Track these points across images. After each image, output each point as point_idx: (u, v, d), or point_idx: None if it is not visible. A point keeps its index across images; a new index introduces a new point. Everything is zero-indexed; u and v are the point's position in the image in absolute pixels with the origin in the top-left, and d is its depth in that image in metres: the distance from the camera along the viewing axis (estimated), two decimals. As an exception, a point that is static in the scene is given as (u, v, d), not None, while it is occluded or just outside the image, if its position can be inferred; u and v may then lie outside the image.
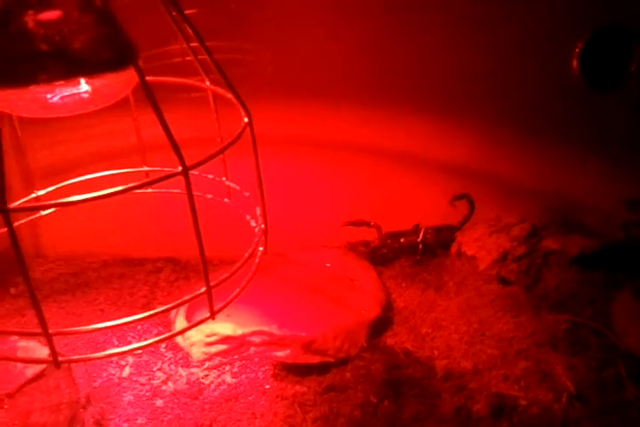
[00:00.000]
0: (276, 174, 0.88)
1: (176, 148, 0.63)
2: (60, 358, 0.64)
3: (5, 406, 0.87)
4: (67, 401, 0.87)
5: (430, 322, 1.12)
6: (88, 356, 0.73)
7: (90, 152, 1.26)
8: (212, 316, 0.72)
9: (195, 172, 0.64)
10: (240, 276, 0.72)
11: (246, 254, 0.78)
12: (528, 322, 1.08)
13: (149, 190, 0.91)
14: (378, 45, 1.22)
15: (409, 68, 1.25)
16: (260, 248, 0.81)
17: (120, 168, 0.97)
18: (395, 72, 1.25)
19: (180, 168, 0.63)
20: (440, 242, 1.33)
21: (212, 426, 0.93)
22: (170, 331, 1.14)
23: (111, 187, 0.61)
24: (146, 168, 0.98)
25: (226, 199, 0.91)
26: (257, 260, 0.80)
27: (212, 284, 0.70)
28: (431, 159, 1.36)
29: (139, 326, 1.15)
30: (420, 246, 1.31)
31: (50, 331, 0.63)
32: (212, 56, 0.75)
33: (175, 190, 0.92)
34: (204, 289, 0.70)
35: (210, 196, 0.92)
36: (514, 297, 1.14)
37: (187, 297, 0.70)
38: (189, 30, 0.74)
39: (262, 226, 0.82)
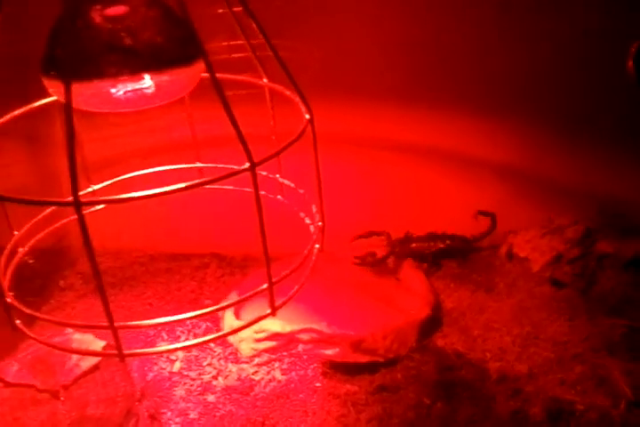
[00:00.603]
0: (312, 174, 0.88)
1: (244, 144, 0.62)
2: (124, 352, 0.64)
3: (62, 398, 0.88)
4: (122, 394, 0.88)
5: (481, 324, 1.11)
6: (152, 350, 0.73)
7: (141, 147, 1.26)
8: (274, 312, 0.72)
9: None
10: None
11: (305, 251, 0.78)
12: (583, 326, 1.06)
13: (207, 186, 0.90)
14: (422, 43, 1.21)
15: (453, 67, 1.23)
16: (317, 246, 0.81)
17: (171, 164, 0.97)
18: (438, 71, 1.24)
19: (248, 164, 0.63)
20: (451, 251, 1.29)
21: (265, 423, 0.92)
22: (218, 326, 1.15)
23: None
24: (199, 164, 0.98)
25: (279, 196, 0.91)
26: (314, 257, 0.79)
27: (273, 280, 0.70)
28: (477, 159, 1.34)
29: (187, 321, 1.15)
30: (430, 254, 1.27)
31: (115, 324, 0.63)
32: (277, 53, 0.74)
33: (228, 187, 0.92)
34: (265, 285, 0.70)
35: (262, 193, 0.91)
36: (568, 300, 1.12)
37: (249, 293, 0.70)
38: (254, 26, 0.74)
39: (319, 223, 0.82)
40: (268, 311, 0.72)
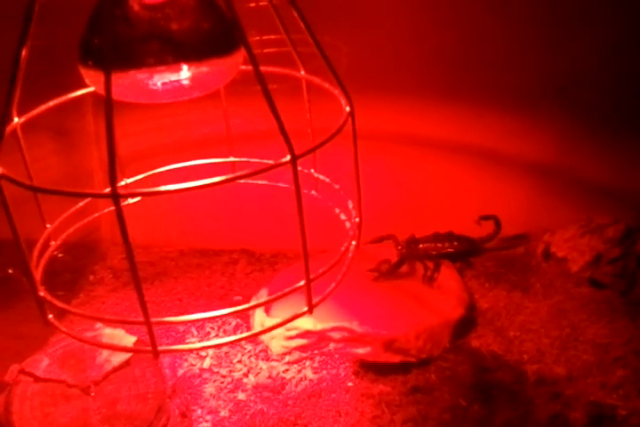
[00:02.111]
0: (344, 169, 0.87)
1: (286, 136, 0.61)
2: (159, 348, 0.63)
3: (92, 394, 0.87)
4: (153, 391, 0.87)
5: (518, 325, 1.08)
6: (187, 346, 0.72)
7: (172, 141, 1.25)
8: (311, 310, 0.70)
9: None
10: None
11: (342, 248, 0.76)
12: (625, 328, 1.03)
13: (242, 181, 0.89)
14: (453, 38, 1.18)
15: (485, 64, 1.21)
16: (353, 242, 0.79)
17: (203, 158, 0.95)
18: (469, 67, 1.21)
19: (289, 157, 0.61)
20: (462, 253, 1.24)
21: (297, 423, 0.91)
22: (248, 322, 1.13)
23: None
24: (232, 159, 0.96)
25: (313, 191, 0.89)
26: (350, 254, 0.77)
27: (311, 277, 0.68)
28: (510, 156, 1.31)
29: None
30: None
31: (151, 320, 0.62)
32: (320, 45, 0.72)
33: (262, 182, 0.91)
34: (303, 282, 0.68)
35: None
36: (608, 301, 1.09)
37: (286, 290, 0.68)
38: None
39: (357, 220, 0.80)
40: (305, 309, 0.70)
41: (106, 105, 0.56)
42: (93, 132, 1.31)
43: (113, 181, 0.55)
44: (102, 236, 1.40)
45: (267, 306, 1.12)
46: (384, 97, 1.24)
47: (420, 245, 1.23)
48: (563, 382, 0.95)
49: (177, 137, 1.26)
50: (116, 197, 0.56)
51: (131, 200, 0.91)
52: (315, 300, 0.70)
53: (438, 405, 0.92)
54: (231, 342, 1.00)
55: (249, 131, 1.14)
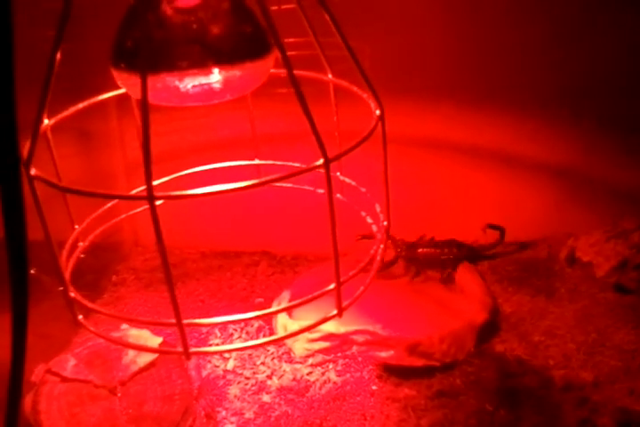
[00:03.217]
0: (365, 172, 0.86)
1: (319, 139, 0.61)
2: (191, 350, 0.63)
3: (119, 394, 0.87)
4: (179, 392, 0.87)
5: (543, 330, 1.07)
6: (217, 348, 0.72)
7: (197, 143, 1.26)
8: (340, 313, 0.70)
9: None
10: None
11: (371, 251, 0.76)
12: (651, 334, 1.02)
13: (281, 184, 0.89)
14: (474, 41, 1.17)
15: (506, 67, 1.20)
16: (381, 246, 0.79)
17: (227, 160, 0.96)
18: (490, 70, 1.20)
19: (322, 160, 0.61)
20: (461, 260, 1.24)
21: (322, 425, 0.91)
22: (270, 324, 1.13)
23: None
24: (258, 161, 0.96)
25: (338, 195, 0.89)
26: (378, 257, 0.77)
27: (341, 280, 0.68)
28: (534, 161, 1.30)
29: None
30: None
31: (183, 321, 0.62)
32: (352, 50, 0.73)
33: (287, 185, 0.91)
34: (333, 285, 0.68)
35: (321, 191, 0.90)
36: (634, 307, 1.08)
37: (317, 293, 0.68)
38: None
39: (385, 223, 0.80)
40: (335, 312, 0.70)
41: (142, 107, 0.56)
42: (117, 135, 1.32)
43: (149, 182, 0.56)
44: (124, 237, 1.40)
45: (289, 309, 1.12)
46: (402, 100, 1.24)
47: (420, 250, 1.23)
48: (590, 387, 0.94)
49: (200, 139, 1.26)
50: (151, 198, 0.56)
51: (157, 202, 0.91)
52: (343, 303, 0.70)
53: (464, 409, 0.91)
54: (264, 345, 1.01)
55: (273, 133, 1.14)
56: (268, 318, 1.15)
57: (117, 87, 0.76)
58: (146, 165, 0.56)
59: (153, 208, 0.57)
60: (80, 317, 0.69)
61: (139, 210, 0.85)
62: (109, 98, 0.80)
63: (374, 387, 0.99)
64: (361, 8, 1.14)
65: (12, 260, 0.48)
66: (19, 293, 0.49)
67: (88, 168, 1.33)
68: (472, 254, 1.26)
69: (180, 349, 0.63)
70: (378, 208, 0.82)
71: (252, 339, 1.09)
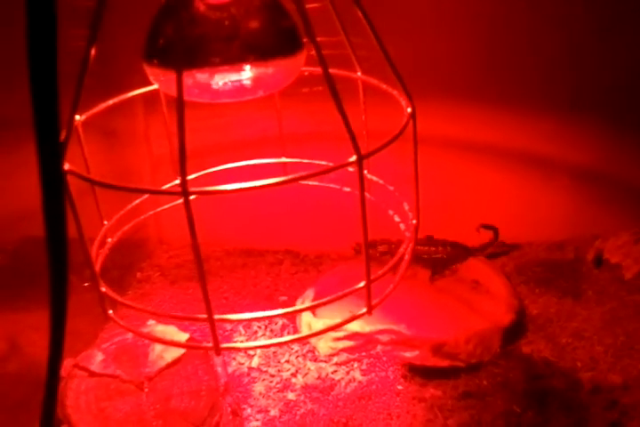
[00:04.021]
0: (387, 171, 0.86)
1: (352, 136, 0.60)
2: (222, 345, 0.63)
3: (146, 390, 0.88)
4: (206, 388, 0.87)
5: (570, 332, 1.06)
6: (247, 344, 0.72)
7: (222, 140, 1.26)
8: (370, 311, 0.69)
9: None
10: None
11: (401, 249, 0.75)
12: (681, 338, 1.01)
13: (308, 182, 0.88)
14: (500, 39, 1.16)
15: (534, 68, 1.19)
16: (410, 244, 0.78)
17: (253, 158, 0.96)
18: (517, 70, 1.19)
19: (355, 157, 0.61)
20: (450, 260, 1.23)
21: (348, 424, 0.90)
22: (294, 323, 1.13)
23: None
24: (285, 159, 0.96)
25: (366, 193, 0.89)
26: (407, 256, 0.77)
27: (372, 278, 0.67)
28: (559, 162, 1.29)
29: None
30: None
31: (214, 317, 0.62)
32: (385, 47, 0.72)
33: (314, 183, 0.91)
34: (363, 283, 0.68)
35: (347, 189, 0.90)
36: (663, 310, 1.07)
37: (346, 290, 0.68)
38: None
39: (414, 222, 0.79)
40: (364, 310, 0.69)
41: (178, 102, 0.56)
42: (142, 133, 1.33)
43: (183, 177, 0.56)
44: (149, 235, 1.41)
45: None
46: (427, 100, 1.23)
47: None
48: (619, 390, 0.93)
49: (226, 137, 1.26)
50: (186, 193, 0.56)
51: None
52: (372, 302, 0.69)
53: (491, 410, 0.90)
54: (296, 341, 1.00)
55: (298, 133, 1.14)
56: (292, 317, 1.15)
57: (143, 85, 0.77)
58: (181, 160, 0.56)
59: (187, 203, 0.57)
60: (110, 311, 0.69)
61: (169, 206, 0.85)
62: (135, 96, 0.81)
63: (400, 387, 0.98)
64: (391, 9, 1.14)
65: (52, 256, 0.48)
66: (58, 289, 0.49)
67: (114, 166, 1.34)
68: (466, 254, 1.24)
69: (210, 344, 0.63)
70: (406, 206, 0.81)
71: (276, 337, 1.09)
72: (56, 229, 0.47)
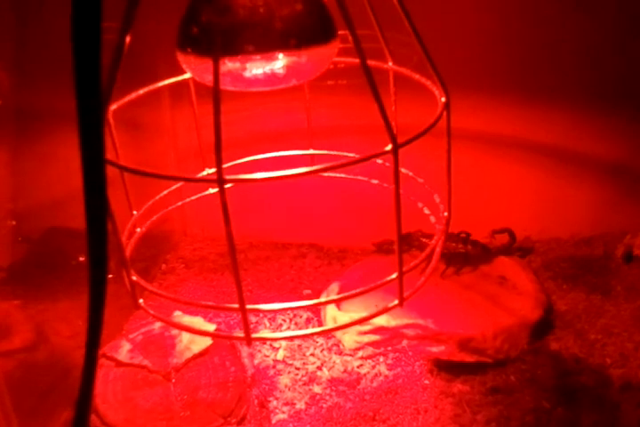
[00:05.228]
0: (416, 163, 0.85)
1: (388, 125, 0.59)
2: (252, 335, 0.62)
3: (173, 380, 0.88)
4: (233, 380, 0.87)
5: (599, 328, 1.05)
6: (277, 335, 0.72)
7: (250, 132, 1.26)
8: (401, 303, 0.69)
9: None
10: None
11: (433, 241, 0.75)
12: None
13: (331, 174, 0.88)
14: (522, 34, 1.15)
15: (561, 64, 1.17)
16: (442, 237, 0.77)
17: (281, 149, 0.95)
18: (545, 67, 1.18)
19: (391, 146, 0.60)
20: (468, 257, 1.21)
21: (375, 418, 0.90)
22: (318, 316, 1.13)
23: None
24: (312, 151, 0.96)
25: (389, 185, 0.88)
26: (438, 249, 0.76)
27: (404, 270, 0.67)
28: (588, 159, 1.27)
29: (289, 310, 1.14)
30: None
31: (246, 307, 0.62)
32: (420, 38, 0.71)
33: (341, 175, 0.90)
34: (395, 275, 0.67)
35: (376, 181, 0.89)
36: (694, 307, 1.05)
37: (377, 283, 0.67)
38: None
39: (445, 214, 0.78)
40: (396, 302, 0.69)
41: (214, 90, 0.56)
42: (169, 125, 1.33)
43: (219, 165, 0.55)
44: (174, 227, 1.41)
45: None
46: (454, 94, 1.22)
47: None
48: (649, 388, 0.91)
49: (255, 128, 1.26)
50: (221, 182, 0.56)
51: (211, 190, 0.92)
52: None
53: (520, 406, 0.89)
54: (321, 333, 1.00)
55: (325, 125, 1.13)
56: (317, 310, 1.14)
57: (170, 76, 0.76)
58: (217, 148, 0.56)
59: (222, 192, 0.57)
60: (141, 300, 0.69)
61: (197, 196, 0.85)
62: (161, 87, 0.80)
63: (426, 381, 0.98)
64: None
65: (92, 249, 0.47)
66: (97, 279, 0.49)
67: (139, 158, 1.34)
68: (484, 253, 1.23)
69: (241, 334, 0.62)
70: (437, 199, 0.80)
71: (300, 329, 1.09)
72: (97, 219, 0.47)
